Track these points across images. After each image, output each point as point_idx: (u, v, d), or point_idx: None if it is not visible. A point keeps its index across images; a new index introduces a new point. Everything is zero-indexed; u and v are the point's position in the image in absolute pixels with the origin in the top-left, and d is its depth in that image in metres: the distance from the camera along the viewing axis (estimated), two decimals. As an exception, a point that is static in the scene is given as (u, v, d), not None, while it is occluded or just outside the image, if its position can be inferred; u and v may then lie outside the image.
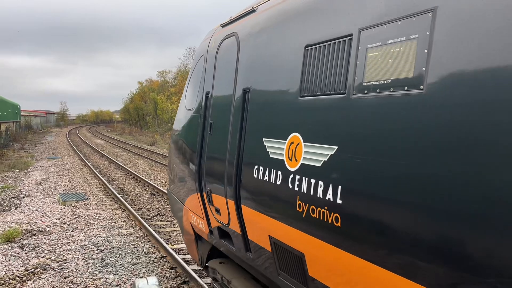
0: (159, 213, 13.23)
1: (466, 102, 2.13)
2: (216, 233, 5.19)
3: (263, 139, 3.88)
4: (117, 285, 7.73)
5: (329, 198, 2.96)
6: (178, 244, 10.06)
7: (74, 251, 9.56)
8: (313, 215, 3.13)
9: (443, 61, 2.29)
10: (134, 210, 13.14)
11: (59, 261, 8.96)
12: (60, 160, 27.55)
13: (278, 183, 3.57)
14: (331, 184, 2.95)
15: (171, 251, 9.03)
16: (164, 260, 9.00)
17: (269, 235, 3.85)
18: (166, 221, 12.21)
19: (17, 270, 8.43)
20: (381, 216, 2.58)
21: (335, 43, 3.13)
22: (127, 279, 8.00)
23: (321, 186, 3.04)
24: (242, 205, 4.28)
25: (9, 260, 8.98)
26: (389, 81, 2.61)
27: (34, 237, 10.61)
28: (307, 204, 3.19)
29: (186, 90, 6.60)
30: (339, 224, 2.87)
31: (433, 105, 2.30)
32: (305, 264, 3.40)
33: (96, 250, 9.64)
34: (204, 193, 5.27)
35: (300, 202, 3.28)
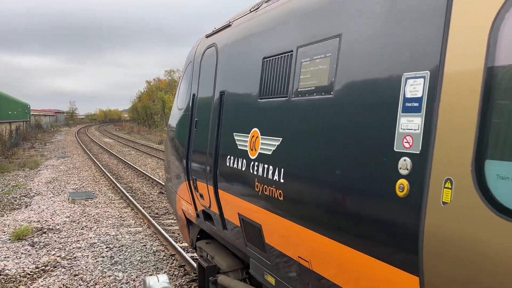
0: (167, 212, 13.30)
1: (358, 103, 2.89)
2: (201, 216, 5.96)
3: (234, 133, 4.68)
4: (126, 283, 7.81)
5: (275, 179, 3.77)
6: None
7: (84, 249, 9.65)
8: (265, 193, 3.95)
9: (343, 73, 3.07)
10: (143, 208, 13.22)
11: (69, 259, 9.06)
12: (69, 159, 27.78)
13: (243, 169, 4.38)
14: (277, 168, 3.78)
15: (179, 249, 9.09)
16: (173, 258, 9.07)
17: (238, 213, 4.63)
18: (175, 220, 12.26)
19: (28, 268, 8.55)
20: (308, 190, 3.40)
21: (282, 56, 3.94)
22: (136, 277, 8.07)
23: (271, 170, 3.87)
24: (219, 190, 5.03)
25: (20, 258, 9.10)
26: (313, 87, 3.39)
27: (44, 235, 10.73)
28: (262, 184, 4.01)
29: (178, 91, 7.51)
30: (282, 198, 3.70)
31: (338, 106, 3.08)
32: (263, 233, 4.19)
33: (106, 248, 9.74)
34: (191, 181, 6.07)
35: (257, 183, 4.09)
